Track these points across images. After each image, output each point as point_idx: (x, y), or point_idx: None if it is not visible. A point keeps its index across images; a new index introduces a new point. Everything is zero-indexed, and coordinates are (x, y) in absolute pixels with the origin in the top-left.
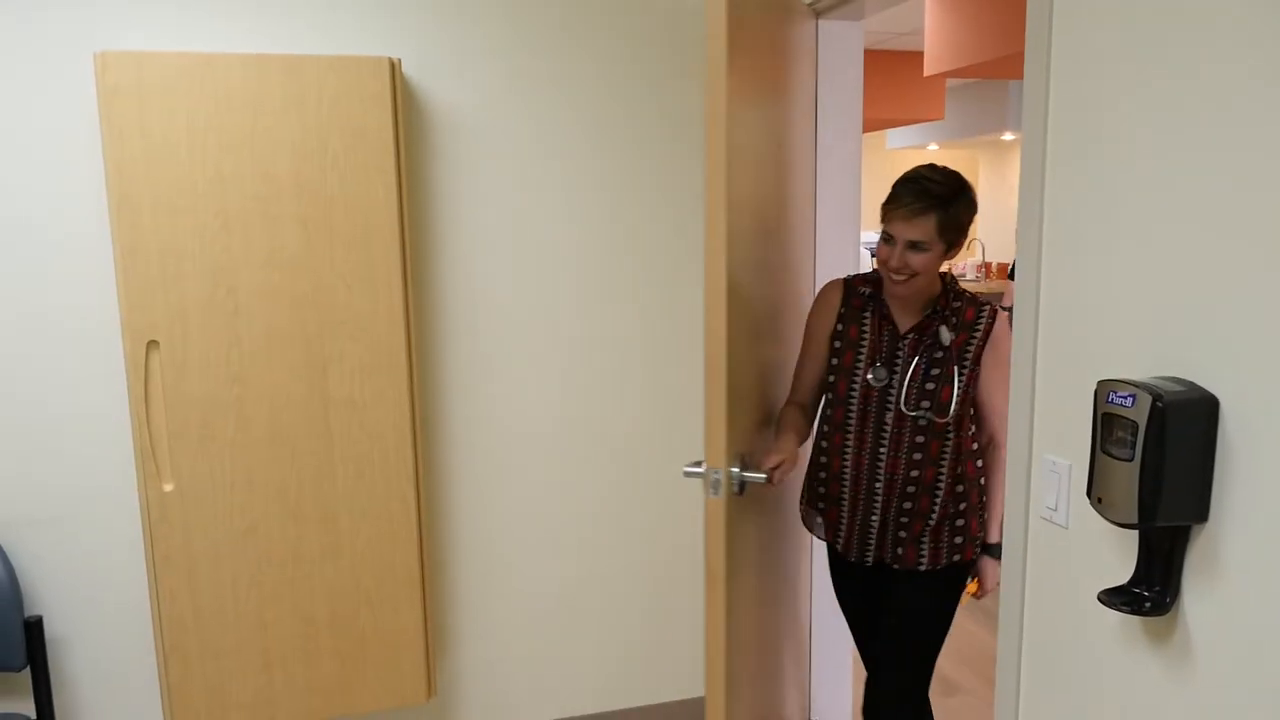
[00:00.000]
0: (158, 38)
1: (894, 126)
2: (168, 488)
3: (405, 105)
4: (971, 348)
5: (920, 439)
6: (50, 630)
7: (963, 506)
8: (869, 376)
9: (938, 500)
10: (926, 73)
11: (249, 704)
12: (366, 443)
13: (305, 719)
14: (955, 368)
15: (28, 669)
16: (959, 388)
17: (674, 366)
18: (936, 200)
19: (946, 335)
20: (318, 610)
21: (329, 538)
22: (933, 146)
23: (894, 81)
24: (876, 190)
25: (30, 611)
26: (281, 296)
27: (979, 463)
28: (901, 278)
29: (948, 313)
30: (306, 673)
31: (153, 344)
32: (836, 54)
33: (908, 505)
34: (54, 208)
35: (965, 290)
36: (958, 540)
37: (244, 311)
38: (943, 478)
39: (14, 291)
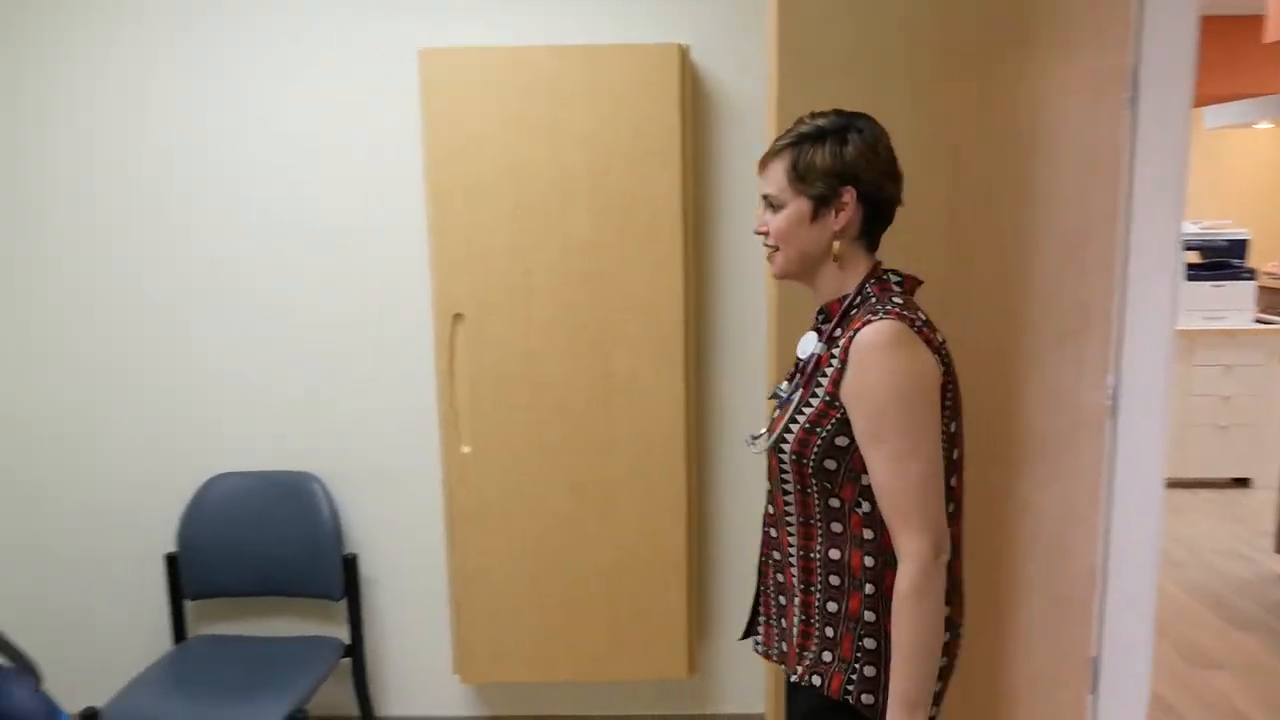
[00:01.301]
0: (469, 32)
1: (1219, 102)
2: (466, 450)
3: (692, 92)
4: (829, 370)
5: (785, 486)
6: (363, 569)
7: (833, 609)
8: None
9: (796, 581)
10: (1268, 39)
11: (526, 658)
12: (643, 421)
13: (576, 678)
14: (801, 392)
15: (344, 600)
16: (795, 417)
17: None
18: (793, 140)
19: (806, 344)
20: (591, 577)
21: (605, 509)
22: (1264, 124)
23: (1223, 50)
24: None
25: (347, 550)
26: (572, 278)
27: (869, 562)
28: (767, 250)
29: (836, 319)
30: (578, 635)
31: (458, 317)
32: (1162, 19)
33: (779, 577)
34: (378, 194)
35: (887, 302)
36: (825, 657)
37: (538, 291)
38: (794, 548)
39: (341, 269)
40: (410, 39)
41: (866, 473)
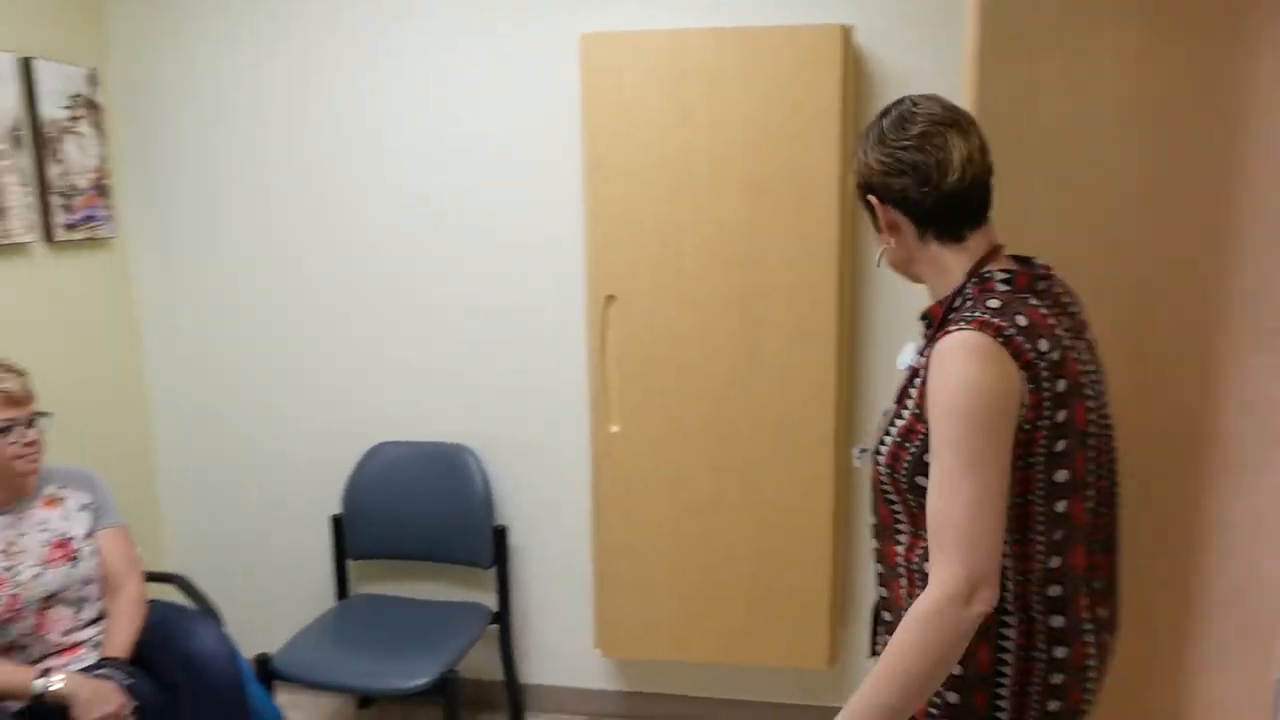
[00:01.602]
0: (629, 17)
1: None
2: (614, 429)
3: (854, 73)
4: (918, 382)
5: (888, 497)
6: (512, 539)
7: None
8: None
9: (903, 595)
10: None
11: (666, 637)
12: (790, 405)
13: (713, 659)
14: (895, 404)
15: (494, 569)
16: (889, 430)
17: None
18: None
19: (905, 356)
20: (733, 559)
21: (748, 493)
22: None
23: None
24: None
25: (498, 521)
26: (723, 261)
27: (902, 587)
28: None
29: (936, 324)
30: (718, 616)
31: (610, 298)
32: None
33: (884, 591)
34: (536, 178)
35: (979, 306)
36: None
37: (688, 273)
38: (900, 560)
39: (500, 253)
40: (571, 25)
41: None
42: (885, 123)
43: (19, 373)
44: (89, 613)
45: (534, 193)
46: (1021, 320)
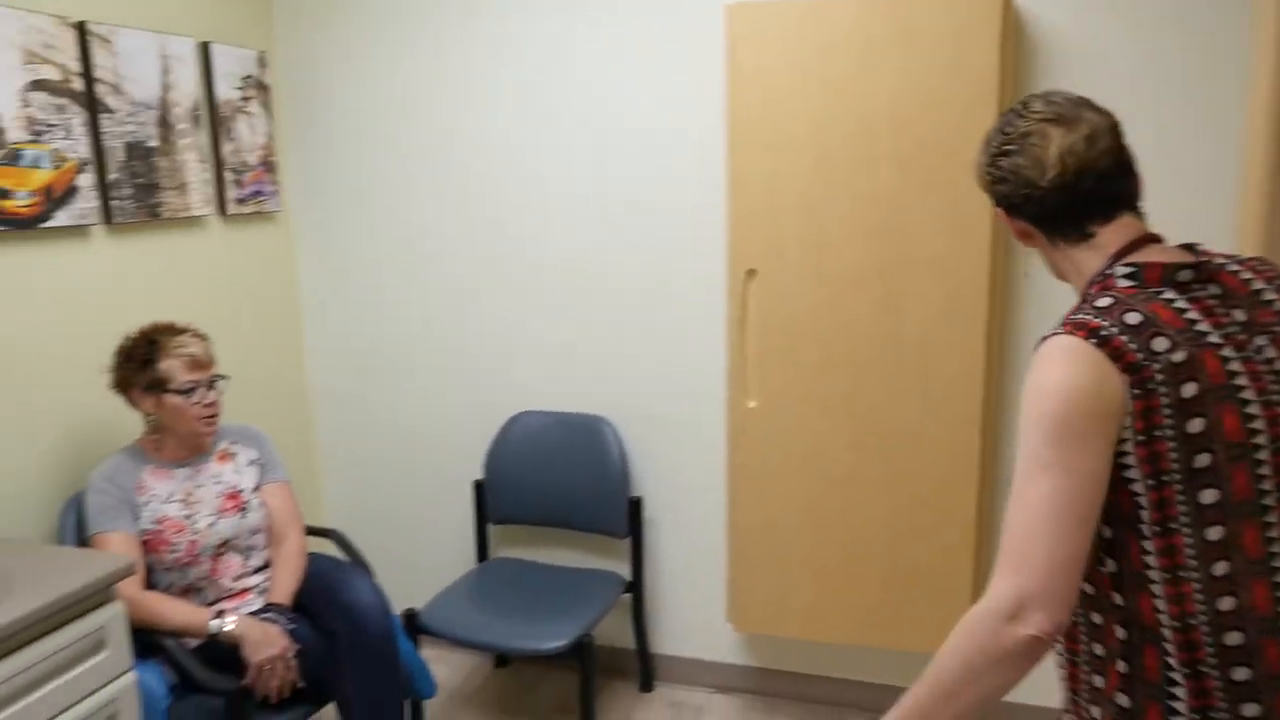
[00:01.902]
0: None
1: None
2: (751, 404)
3: (1013, 38)
4: None
5: None
6: (647, 511)
7: (1099, 684)
8: None
9: (1061, 650)
10: None
11: (800, 614)
12: (935, 382)
13: (849, 640)
14: None
15: (628, 539)
16: None
17: None
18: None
19: None
20: (871, 538)
21: (887, 470)
22: None
23: None
24: None
25: (634, 492)
26: (867, 234)
27: (1120, 634)
28: None
29: None
30: (854, 597)
31: (751, 272)
32: None
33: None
34: (678, 150)
35: (1087, 308)
36: None
37: (832, 247)
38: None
39: (641, 227)
40: None
41: (1107, 524)
42: (993, 127)
43: (203, 338)
44: (256, 560)
45: (676, 166)
46: (1132, 318)
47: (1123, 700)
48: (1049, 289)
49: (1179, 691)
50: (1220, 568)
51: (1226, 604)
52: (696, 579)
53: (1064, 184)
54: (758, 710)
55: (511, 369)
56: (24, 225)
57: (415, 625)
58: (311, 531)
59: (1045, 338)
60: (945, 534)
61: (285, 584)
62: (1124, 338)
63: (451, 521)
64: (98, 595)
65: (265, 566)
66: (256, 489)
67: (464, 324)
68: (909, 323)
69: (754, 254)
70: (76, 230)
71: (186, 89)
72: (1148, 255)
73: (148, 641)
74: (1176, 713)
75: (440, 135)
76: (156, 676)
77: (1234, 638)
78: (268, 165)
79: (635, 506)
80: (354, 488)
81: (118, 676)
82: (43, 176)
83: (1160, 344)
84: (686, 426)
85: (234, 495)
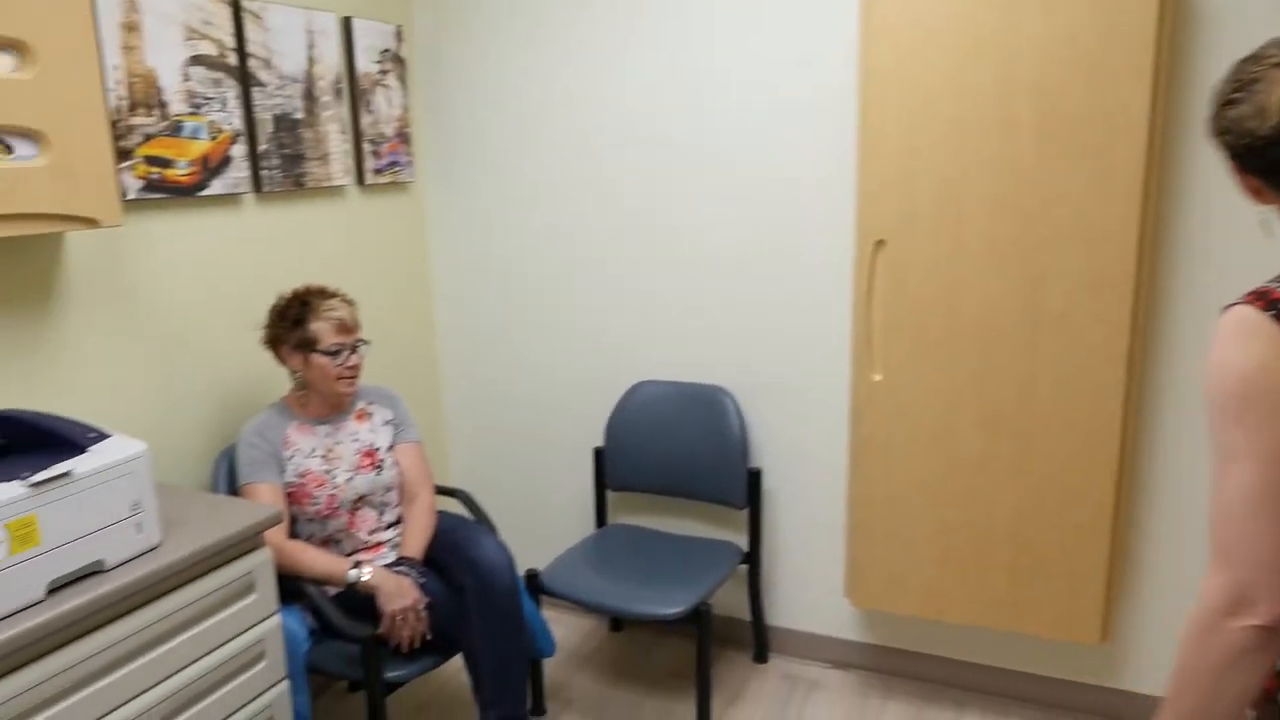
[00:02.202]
0: None
1: None
2: (876, 378)
3: (1172, 3)
4: None
5: None
6: (766, 482)
7: None
8: None
9: None
10: None
11: (919, 593)
12: (1075, 362)
13: (970, 621)
14: None
15: (746, 510)
16: None
17: None
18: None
19: None
20: (997, 522)
21: (1018, 452)
22: None
23: None
24: None
25: (753, 463)
26: (1006, 205)
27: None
28: None
29: None
30: (977, 579)
31: (880, 244)
32: None
33: None
34: (807, 115)
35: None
36: None
37: (968, 218)
38: None
39: (767, 194)
40: None
41: None
42: (1224, 76)
43: (351, 303)
44: (389, 516)
45: (804, 134)
46: None
47: None
48: (1203, 272)
49: None
50: None
51: None
52: (814, 553)
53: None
54: (874, 687)
55: (634, 338)
56: (184, 193)
57: (536, 585)
58: (440, 491)
59: (1227, 307)
60: (1078, 518)
61: (417, 539)
62: None
63: (571, 487)
64: (249, 541)
65: (397, 522)
66: (391, 448)
67: (589, 293)
68: (1048, 298)
69: (884, 224)
70: (230, 198)
71: (329, 63)
72: None
73: (289, 589)
74: None
75: (569, 107)
76: (298, 621)
77: (1244, 619)
78: (403, 137)
79: (754, 478)
80: (478, 451)
81: (265, 619)
82: (200, 147)
83: None
84: (808, 399)
85: (370, 453)
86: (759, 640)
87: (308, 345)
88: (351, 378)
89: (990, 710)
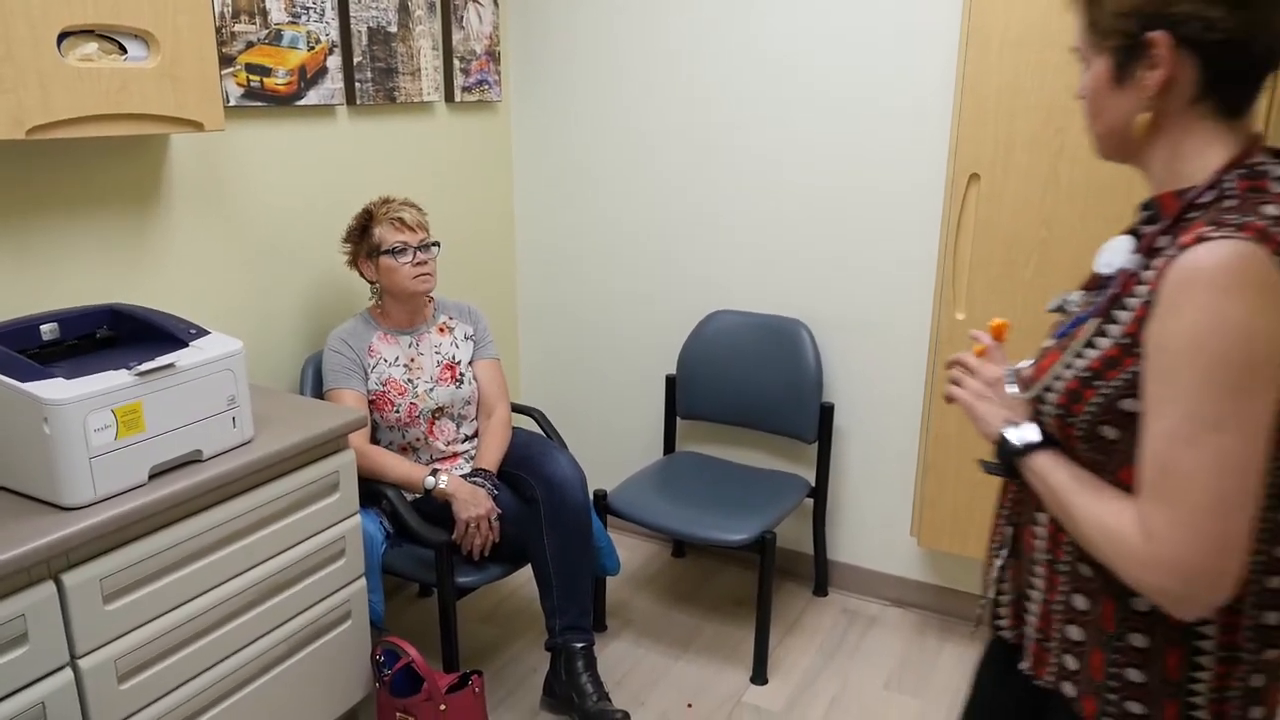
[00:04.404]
0: None
1: None
2: (959, 316)
3: None
4: (1134, 301)
5: None
6: (837, 418)
7: (1081, 606)
8: None
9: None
10: None
11: (986, 536)
12: None
13: None
14: (1091, 322)
15: (815, 444)
16: (1073, 359)
17: None
18: None
19: (1113, 253)
20: None
21: None
22: None
23: None
24: None
25: (825, 398)
26: None
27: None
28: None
29: (1169, 220)
30: None
31: (974, 177)
32: None
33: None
34: (904, 42)
35: (1249, 209)
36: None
37: (1068, 153)
38: (1041, 537)
39: (856, 123)
40: None
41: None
42: None
43: (413, 206)
44: (466, 429)
45: (899, 61)
46: None
47: (1137, 640)
48: None
49: (1209, 631)
50: None
51: None
52: (881, 491)
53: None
54: (932, 627)
55: (711, 267)
56: (282, 102)
57: (604, 506)
58: (515, 408)
59: (1205, 238)
60: None
61: (492, 452)
62: None
63: (642, 413)
64: (334, 443)
65: (474, 435)
66: (470, 363)
67: (667, 221)
68: None
69: (979, 157)
70: (324, 109)
71: None
72: (1271, 160)
73: (366, 492)
74: (1203, 651)
75: (655, 34)
76: (374, 524)
77: (1276, 581)
78: (492, 55)
79: (826, 413)
80: (551, 371)
81: (346, 518)
82: (298, 57)
83: None
84: (886, 335)
85: (450, 366)
86: (820, 574)
87: (375, 251)
88: (421, 277)
89: None
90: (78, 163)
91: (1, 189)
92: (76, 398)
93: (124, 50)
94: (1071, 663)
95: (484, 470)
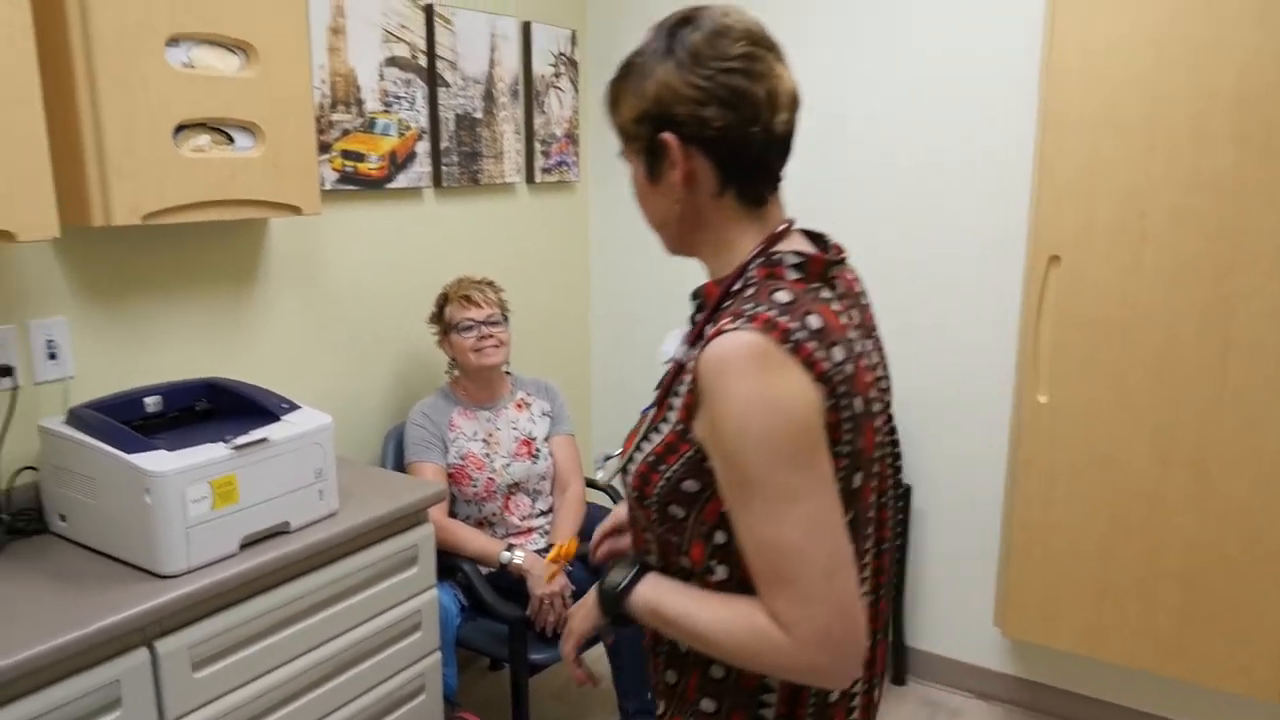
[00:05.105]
0: None
1: None
2: (1042, 399)
3: None
4: (682, 390)
5: (638, 523)
6: (915, 500)
7: (671, 681)
8: None
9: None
10: None
11: (1076, 628)
12: (1266, 394)
13: (1132, 664)
14: (655, 410)
15: None
16: (641, 444)
17: None
18: (615, 75)
19: (670, 344)
20: (1168, 560)
21: (1196, 487)
22: None
23: None
24: None
25: (904, 480)
26: (1197, 223)
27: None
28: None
29: (709, 309)
30: (1141, 618)
31: (1054, 259)
32: None
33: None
34: (984, 119)
35: (764, 299)
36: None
37: (1152, 237)
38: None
39: (936, 201)
40: None
41: (721, 529)
42: (694, 37)
43: (488, 284)
44: (541, 504)
45: (981, 136)
46: (814, 322)
47: (716, 671)
48: None
49: (769, 700)
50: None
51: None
52: (963, 577)
53: (786, 132)
54: None
55: None
56: (373, 185)
57: None
58: (589, 484)
59: (723, 330)
60: (1258, 566)
61: (566, 527)
62: (812, 344)
63: None
64: (415, 516)
65: (549, 510)
66: (547, 439)
67: None
68: (1242, 326)
69: (1059, 239)
70: (412, 191)
71: (509, 65)
72: (799, 242)
73: (443, 565)
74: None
75: None
76: (450, 597)
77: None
78: (571, 137)
79: (905, 495)
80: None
81: (423, 591)
82: (389, 143)
83: (838, 353)
84: (966, 417)
85: (527, 442)
86: (898, 661)
87: (449, 329)
88: (485, 351)
89: None
90: (183, 244)
91: (113, 269)
92: (177, 470)
93: (231, 140)
94: None
95: None
